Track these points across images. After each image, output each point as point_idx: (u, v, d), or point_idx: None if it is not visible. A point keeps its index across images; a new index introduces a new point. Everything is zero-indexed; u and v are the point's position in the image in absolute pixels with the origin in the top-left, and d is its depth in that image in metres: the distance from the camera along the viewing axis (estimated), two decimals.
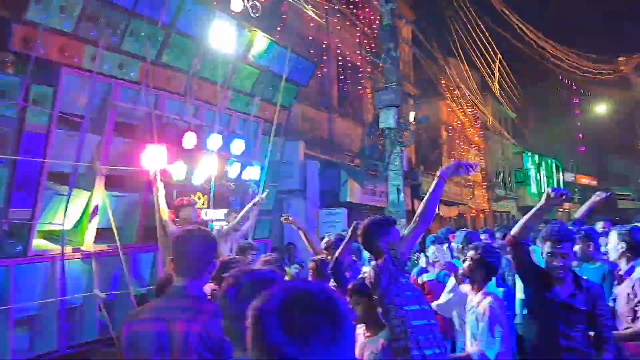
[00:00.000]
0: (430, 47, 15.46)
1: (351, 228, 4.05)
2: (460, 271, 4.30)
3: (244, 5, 7.49)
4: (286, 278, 6.47)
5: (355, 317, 3.47)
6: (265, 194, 7.13)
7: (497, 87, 20.50)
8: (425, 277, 5.71)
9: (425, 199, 3.26)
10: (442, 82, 18.40)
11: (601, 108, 47.76)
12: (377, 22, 12.69)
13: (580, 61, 19.48)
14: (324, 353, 1.09)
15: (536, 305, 3.46)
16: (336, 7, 12.33)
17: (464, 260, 4.05)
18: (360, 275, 4.58)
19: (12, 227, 5.11)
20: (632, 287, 4.04)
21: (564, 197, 3.16)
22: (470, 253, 4.30)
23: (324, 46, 12.38)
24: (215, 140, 6.88)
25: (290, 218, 5.56)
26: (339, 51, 13.10)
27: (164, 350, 2.28)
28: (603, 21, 52.29)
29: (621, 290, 4.16)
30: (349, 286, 3.68)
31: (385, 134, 11.79)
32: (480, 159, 26.81)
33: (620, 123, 47.74)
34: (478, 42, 16.70)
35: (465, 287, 4.20)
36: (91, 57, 5.50)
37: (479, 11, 15.64)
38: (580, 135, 57.40)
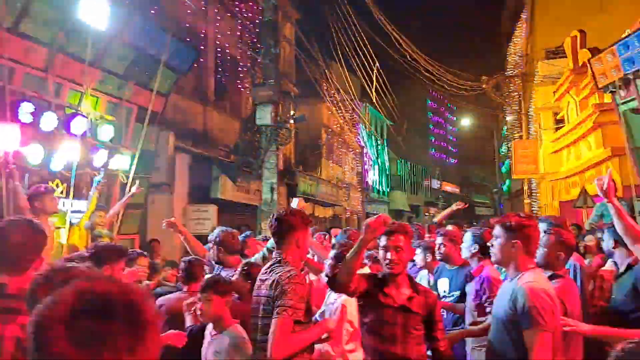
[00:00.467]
0: (312, 48, 15.56)
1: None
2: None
3: None
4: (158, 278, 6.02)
5: (203, 316, 3.35)
6: (136, 185, 6.62)
7: (374, 94, 21.21)
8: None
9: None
10: (323, 84, 18.63)
11: (465, 122, 51.76)
12: (259, 16, 12.46)
13: (448, 76, 20.82)
14: None
15: (371, 312, 3.26)
16: None
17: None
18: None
19: None
20: (482, 284, 4.26)
21: (386, 224, 3.08)
22: (332, 252, 4.24)
23: (202, 35, 11.89)
24: (79, 124, 6.25)
25: (174, 223, 4.99)
26: (218, 42, 12.67)
27: None
28: (469, 43, 56.71)
29: (470, 288, 4.37)
30: (202, 282, 3.54)
31: (261, 130, 11.62)
32: (357, 163, 27.69)
33: (480, 137, 52.06)
34: (357, 48, 17.12)
35: None
36: None
37: (359, 18, 16.04)
38: (448, 146, 61.85)
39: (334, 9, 15.78)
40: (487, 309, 4.08)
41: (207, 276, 3.88)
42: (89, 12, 6.15)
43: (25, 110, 5.69)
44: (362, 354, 3.40)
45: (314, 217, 17.53)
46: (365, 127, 26.83)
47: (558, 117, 19.63)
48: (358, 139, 26.47)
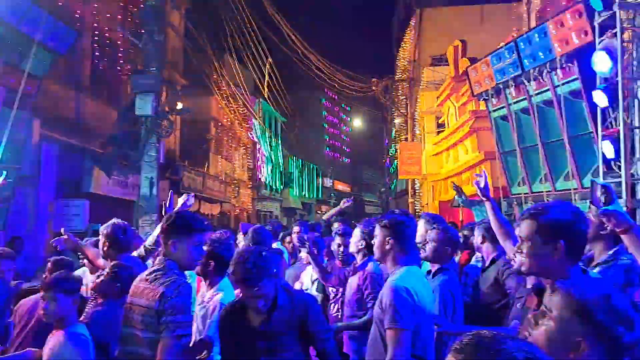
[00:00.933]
0: (203, 39, 15.01)
1: None
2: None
3: None
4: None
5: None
6: (2, 177, 5.84)
7: (267, 90, 21.00)
8: None
9: None
10: (214, 76, 18.07)
11: (358, 122, 53.27)
12: (143, 0, 11.71)
13: (340, 77, 21.14)
14: None
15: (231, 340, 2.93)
16: None
17: None
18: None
19: None
20: (365, 279, 4.24)
21: None
22: (204, 247, 3.98)
23: (77, 16, 10.94)
24: None
25: (65, 235, 4.41)
26: (95, 24, 11.75)
27: None
28: (361, 46, 58.42)
29: (352, 281, 4.37)
30: (46, 280, 3.36)
31: (141, 121, 10.93)
32: (248, 159, 27.29)
33: (372, 137, 53.82)
34: (250, 42, 16.81)
35: None
36: None
37: (252, 12, 15.73)
38: (340, 145, 63.17)
39: (227, 1, 15.36)
40: (369, 304, 4.11)
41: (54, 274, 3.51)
42: None
43: None
44: None
45: (199, 214, 16.93)
46: (258, 123, 26.52)
47: (440, 121, 20.68)
48: (250, 134, 26.10)
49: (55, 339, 3.13)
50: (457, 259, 6.14)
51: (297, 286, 5.51)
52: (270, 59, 18.80)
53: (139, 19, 11.67)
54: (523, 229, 2.12)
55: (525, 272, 2.20)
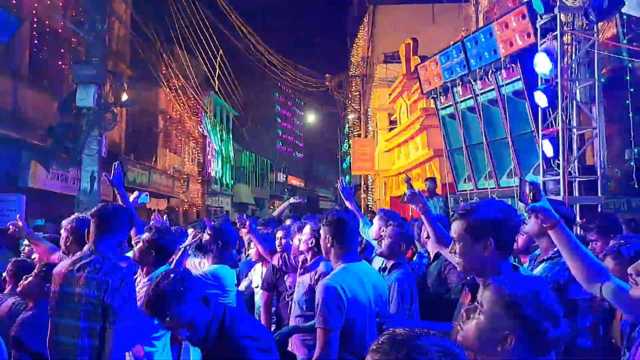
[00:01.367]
0: (150, 30, 14.56)
1: None
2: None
3: None
4: None
5: None
6: None
7: (217, 83, 20.64)
8: None
9: None
10: (162, 68, 17.61)
11: (311, 118, 53.27)
12: None
13: (293, 71, 21.03)
14: None
15: None
16: None
17: None
18: None
19: None
20: (317, 279, 4.17)
21: None
22: (144, 235, 3.88)
23: (14, 2, 10.41)
24: None
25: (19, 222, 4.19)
26: (35, 11, 11.21)
27: None
28: (316, 41, 58.33)
29: (303, 280, 4.31)
30: None
31: (83, 113, 10.52)
32: (198, 153, 26.82)
33: (326, 133, 53.95)
34: (200, 34, 16.44)
35: None
36: None
37: (202, 3, 15.39)
38: (294, 140, 63.11)
39: None
40: None
41: None
42: None
43: None
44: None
45: (145, 208, 16.49)
46: (208, 116, 26.06)
47: (392, 118, 20.90)
48: (201, 127, 25.63)
49: None
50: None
51: (244, 283, 5.40)
52: (221, 51, 18.46)
53: (80, 7, 11.21)
54: (453, 229, 2.18)
55: (461, 271, 2.27)
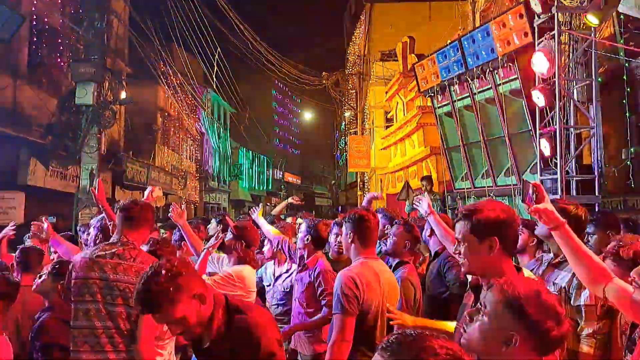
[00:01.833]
0: (147, 27, 14.54)
1: None
2: None
3: None
4: None
5: None
6: None
7: (215, 80, 20.63)
8: None
9: None
10: (161, 66, 17.59)
11: (308, 115, 53.28)
12: None
13: (291, 69, 21.03)
14: None
15: None
16: None
17: None
18: None
19: None
20: (317, 276, 4.21)
21: None
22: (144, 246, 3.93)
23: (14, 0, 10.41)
24: None
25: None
26: (34, 9, 11.20)
27: None
28: (314, 38, 58.39)
29: (302, 277, 4.33)
30: None
31: (82, 110, 10.54)
32: (196, 151, 26.82)
33: (322, 130, 53.99)
34: (199, 32, 16.44)
35: None
36: None
37: (201, 1, 15.37)
38: (291, 137, 63.11)
39: None
40: (322, 302, 4.09)
41: None
42: None
43: None
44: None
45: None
46: (206, 113, 26.06)
47: (388, 116, 20.95)
48: (198, 125, 25.63)
49: None
50: None
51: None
52: (219, 49, 18.46)
53: (80, 5, 11.22)
54: (458, 230, 2.19)
55: (466, 272, 2.27)
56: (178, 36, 15.93)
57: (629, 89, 7.45)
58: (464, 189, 10.31)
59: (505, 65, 8.35)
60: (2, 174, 10.12)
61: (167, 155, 21.71)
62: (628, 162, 7.35)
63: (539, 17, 7.30)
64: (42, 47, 11.79)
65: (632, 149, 7.35)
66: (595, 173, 7.23)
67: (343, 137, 35.13)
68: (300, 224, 6.55)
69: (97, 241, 3.81)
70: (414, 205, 3.40)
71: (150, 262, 2.75)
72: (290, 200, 7.62)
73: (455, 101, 10.01)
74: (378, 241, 4.42)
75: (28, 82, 11.38)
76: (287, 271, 4.72)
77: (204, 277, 3.74)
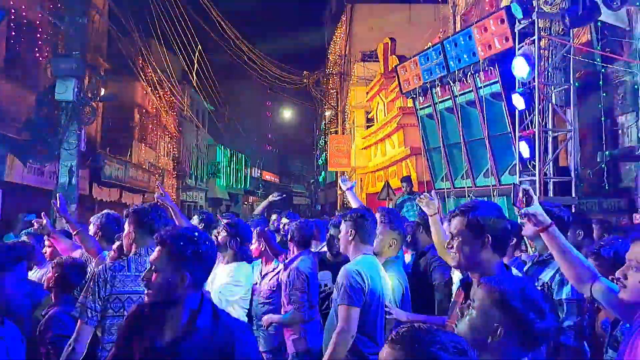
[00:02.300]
0: (127, 22, 14.40)
1: None
2: None
3: None
4: None
5: None
6: None
7: (195, 77, 20.52)
8: None
9: None
10: (139, 61, 17.43)
11: (287, 114, 53.22)
12: None
13: (271, 68, 21.04)
14: None
15: None
16: None
17: None
18: None
19: None
20: (289, 274, 4.28)
21: None
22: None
23: None
24: None
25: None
26: (12, 2, 11.00)
27: None
28: (294, 38, 58.31)
29: (283, 277, 4.43)
30: None
31: (62, 107, 10.38)
32: (174, 148, 26.58)
33: (301, 128, 53.99)
34: (180, 29, 16.33)
35: None
36: None
37: None
38: (269, 136, 62.93)
39: None
40: (292, 298, 4.21)
41: None
42: None
43: None
44: None
45: (121, 204, 16.33)
46: (185, 111, 25.86)
47: (369, 116, 21.10)
48: (176, 122, 25.41)
49: None
50: None
51: None
52: (200, 47, 18.36)
53: (60, 1, 11.04)
54: (454, 225, 2.30)
55: (456, 266, 2.37)
56: (158, 31, 15.81)
57: (604, 94, 7.67)
58: (443, 189, 10.46)
59: (487, 68, 8.50)
60: None
61: (145, 152, 21.48)
62: (603, 165, 7.57)
63: (520, 23, 7.46)
64: (20, 42, 11.58)
65: (607, 153, 7.57)
66: (572, 175, 7.43)
67: (323, 137, 35.21)
68: (285, 224, 6.59)
69: (97, 238, 3.83)
70: (417, 202, 3.49)
71: None
72: (270, 198, 7.63)
73: (436, 103, 10.14)
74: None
75: (5, 77, 11.18)
76: (273, 270, 4.78)
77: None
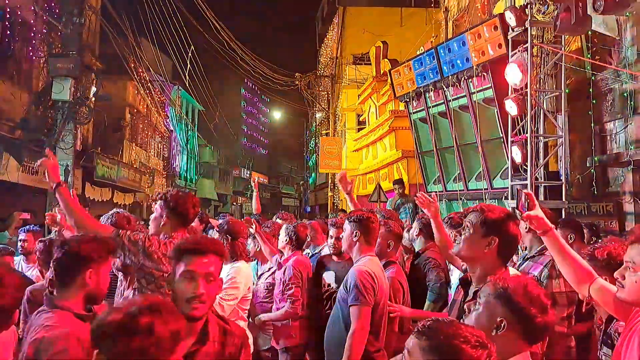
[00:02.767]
0: (120, 21, 14.39)
1: None
2: None
3: None
4: None
5: None
6: None
7: (187, 77, 20.52)
8: None
9: None
10: (131, 61, 17.40)
11: (277, 115, 53.21)
12: None
13: (264, 69, 21.11)
14: None
15: None
16: None
17: None
18: None
19: None
20: (284, 272, 4.40)
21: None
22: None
23: None
24: None
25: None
26: (7, 1, 10.98)
27: None
28: (287, 39, 58.47)
29: (277, 276, 4.57)
30: None
31: (57, 106, 10.40)
32: (164, 148, 26.54)
33: (291, 130, 54.00)
34: (172, 29, 16.35)
35: None
36: None
37: None
38: (259, 137, 62.86)
39: None
40: (288, 293, 4.35)
41: None
42: None
43: None
44: None
45: (112, 203, 16.30)
46: (175, 110, 25.83)
47: (361, 118, 21.22)
48: (167, 122, 25.38)
49: None
50: None
51: None
52: (192, 47, 18.38)
53: (55, 0, 11.04)
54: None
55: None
56: (151, 31, 15.81)
57: (594, 101, 7.88)
58: (436, 192, 10.62)
59: (480, 74, 8.67)
60: None
61: (135, 152, 21.44)
62: (592, 170, 7.77)
63: (513, 30, 7.63)
64: (15, 41, 11.54)
65: (596, 158, 7.77)
66: (562, 180, 7.62)
67: (314, 138, 35.31)
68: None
69: None
70: (418, 203, 3.59)
71: None
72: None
73: (429, 107, 10.30)
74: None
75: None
76: (269, 269, 4.89)
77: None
